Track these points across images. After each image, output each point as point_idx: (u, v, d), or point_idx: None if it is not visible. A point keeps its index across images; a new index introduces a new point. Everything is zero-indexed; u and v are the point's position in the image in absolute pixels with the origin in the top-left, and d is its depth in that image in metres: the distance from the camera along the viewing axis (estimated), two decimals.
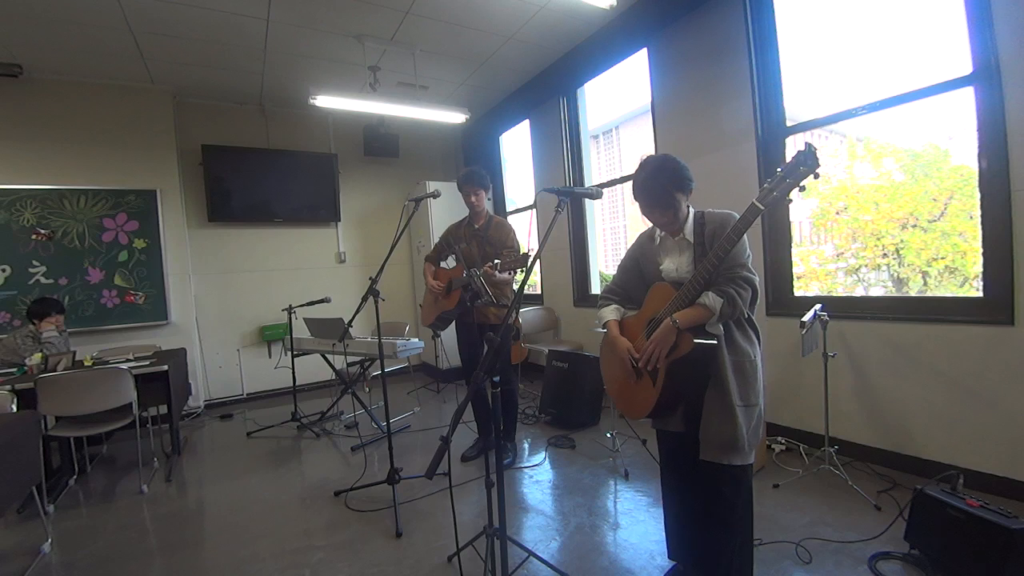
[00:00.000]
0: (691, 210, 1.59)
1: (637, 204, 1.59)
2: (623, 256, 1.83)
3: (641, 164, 1.57)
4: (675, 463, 1.72)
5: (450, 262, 3.16)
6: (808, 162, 1.23)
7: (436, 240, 3.32)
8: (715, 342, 1.47)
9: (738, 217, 1.39)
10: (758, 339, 1.57)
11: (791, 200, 1.29)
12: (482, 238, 2.95)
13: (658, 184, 1.51)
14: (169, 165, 4.54)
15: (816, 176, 1.24)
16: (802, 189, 1.26)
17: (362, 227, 5.71)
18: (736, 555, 1.55)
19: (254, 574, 2.05)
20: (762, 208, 1.30)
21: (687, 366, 1.49)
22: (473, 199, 2.96)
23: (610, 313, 1.76)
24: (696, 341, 1.44)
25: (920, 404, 2.49)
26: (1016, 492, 2.16)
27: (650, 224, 1.66)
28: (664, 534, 1.83)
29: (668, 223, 1.57)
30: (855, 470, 2.60)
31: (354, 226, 5.67)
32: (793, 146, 3.08)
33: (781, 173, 1.27)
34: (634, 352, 1.61)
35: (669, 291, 1.53)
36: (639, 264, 1.73)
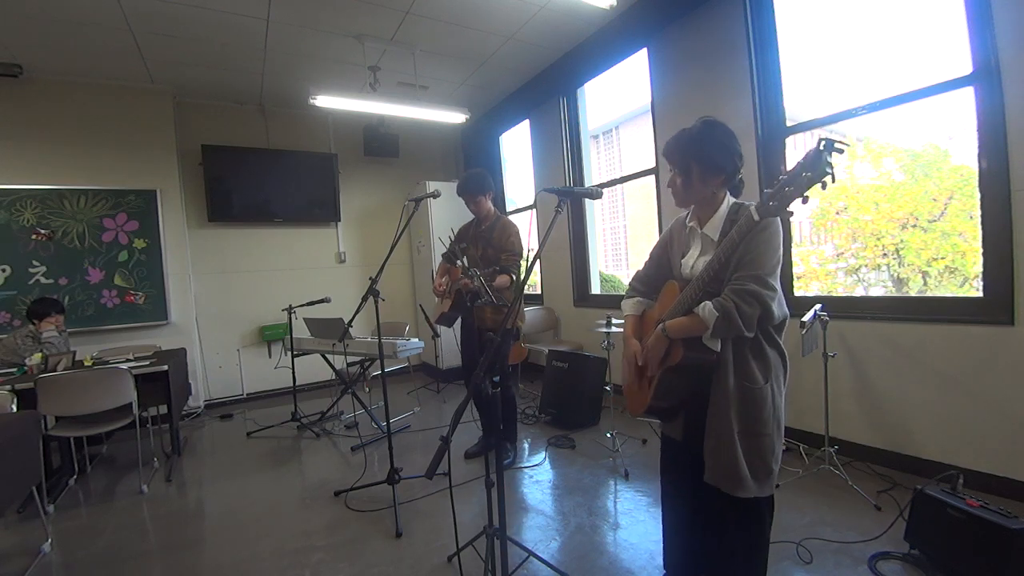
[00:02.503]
0: (728, 202, 1.40)
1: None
2: (655, 243, 1.70)
3: (699, 119, 1.45)
4: (670, 471, 1.64)
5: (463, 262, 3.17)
6: (814, 167, 1.00)
7: (435, 240, 3.33)
8: (711, 357, 1.34)
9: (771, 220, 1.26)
10: (784, 363, 1.39)
11: (791, 212, 1.10)
12: (485, 239, 2.95)
13: (683, 139, 1.41)
14: (169, 165, 4.54)
15: (823, 186, 1.02)
16: (804, 200, 1.06)
17: (362, 227, 5.71)
18: None
19: (254, 574, 2.05)
20: (757, 219, 1.16)
21: (680, 376, 1.40)
22: (473, 206, 2.96)
23: (630, 307, 1.65)
24: (686, 354, 1.34)
25: (920, 404, 2.49)
26: (1016, 492, 2.16)
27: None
28: (662, 544, 1.74)
29: (677, 188, 1.45)
30: (855, 470, 2.60)
31: (354, 226, 5.67)
32: (793, 147, 3.08)
33: (782, 181, 1.08)
34: (640, 356, 1.53)
35: (676, 292, 1.43)
36: (668, 251, 1.60)
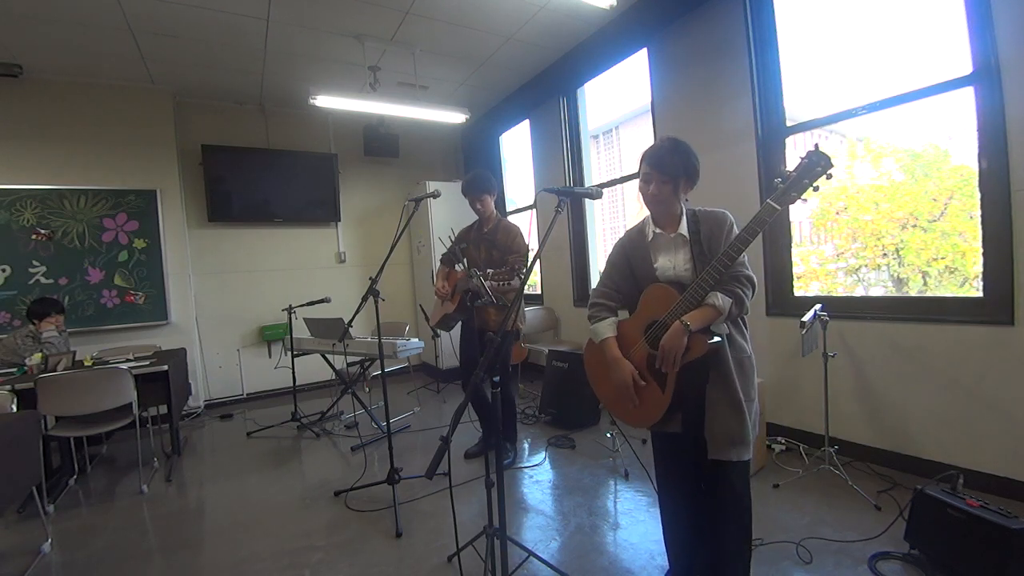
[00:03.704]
0: (684, 207, 1.58)
1: (641, 166, 1.57)
2: (611, 253, 1.75)
3: (662, 137, 1.59)
4: (672, 465, 1.67)
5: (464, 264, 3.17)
6: (823, 162, 1.26)
7: (435, 240, 3.33)
8: (723, 340, 1.47)
9: (729, 216, 1.51)
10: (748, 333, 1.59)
11: (805, 200, 1.32)
12: (489, 242, 2.94)
13: (671, 151, 1.53)
14: (169, 165, 4.54)
15: (829, 176, 1.27)
16: (816, 189, 1.29)
17: (362, 227, 5.71)
18: (747, 554, 1.55)
19: (254, 574, 2.05)
20: (779, 208, 1.30)
21: (694, 368, 1.47)
22: (478, 206, 2.96)
23: (607, 329, 1.64)
24: (710, 343, 1.42)
25: (920, 404, 2.49)
26: (1016, 492, 2.16)
27: (644, 207, 1.63)
28: (663, 543, 1.74)
29: (659, 198, 1.54)
30: (855, 470, 2.60)
31: (354, 226, 5.67)
32: (793, 146, 3.08)
33: (796, 174, 1.29)
34: (638, 379, 1.55)
35: (670, 293, 1.48)
36: (629, 261, 1.67)
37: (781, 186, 1.31)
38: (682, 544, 1.69)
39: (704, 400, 1.49)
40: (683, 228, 1.55)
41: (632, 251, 1.66)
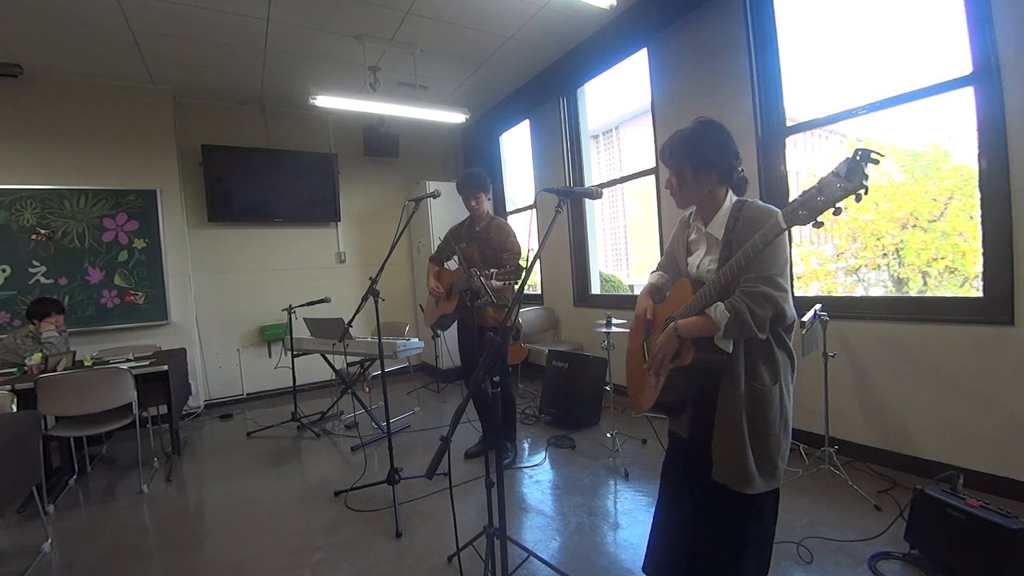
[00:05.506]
0: (730, 199, 1.40)
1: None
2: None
3: (695, 120, 1.46)
4: (673, 468, 1.64)
5: (452, 264, 3.17)
6: (852, 178, 0.95)
7: (436, 240, 3.32)
8: (722, 358, 1.33)
9: (774, 217, 1.15)
10: (792, 364, 1.39)
11: (821, 223, 1.03)
12: (482, 240, 2.95)
13: (675, 140, 1.43)
14: (169, 165, 4.54)
15: (858, 199, 0.97)
16: (836, 212, 1.00)
17: (362, 227, 5.72)
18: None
19: (254, 574, 2.05)
20: (784, 227, 1.12)
21: (689, 376, 1.40)
22: (473, 203, 2.96)
23: (654, 277, 1.68)
24: (696, 355, 1.33)
25: (920, 404, 2.49)
26: (1016, 492, 2.16)
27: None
28: (647, 543, 1.70)
29: (673, 189, 1.47)
30: (855, 470, 2.60)
31: (354, 226, 5.67)
32: (793, 146, 3.08)
33: (811, 190, 1.02)
34: (649, 310, 1.58)
35: (687, 291, 1.41)
36: (674, 250, 1.61)
37: (796, 201, 1.07)
38: (659, 553, 1.64)
39: (713, 414, 1.40)
40: (716, 225, 1.40)
41: (676, 240, 1.61)
